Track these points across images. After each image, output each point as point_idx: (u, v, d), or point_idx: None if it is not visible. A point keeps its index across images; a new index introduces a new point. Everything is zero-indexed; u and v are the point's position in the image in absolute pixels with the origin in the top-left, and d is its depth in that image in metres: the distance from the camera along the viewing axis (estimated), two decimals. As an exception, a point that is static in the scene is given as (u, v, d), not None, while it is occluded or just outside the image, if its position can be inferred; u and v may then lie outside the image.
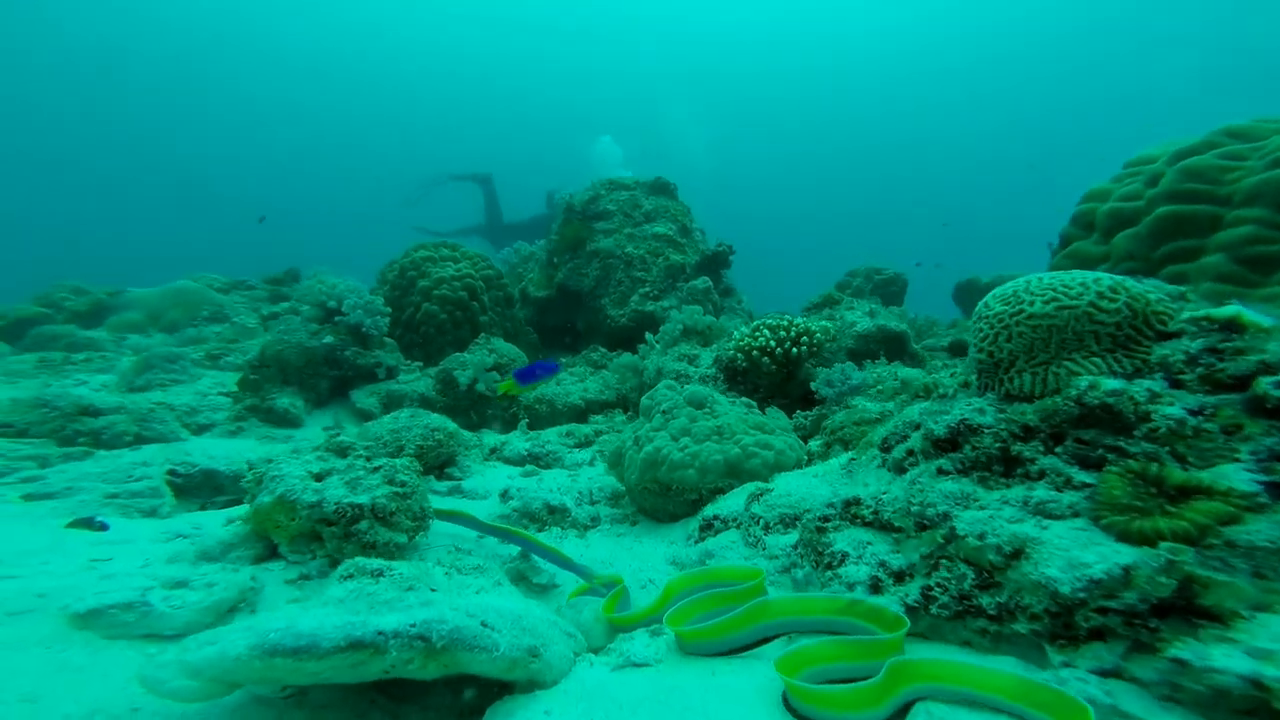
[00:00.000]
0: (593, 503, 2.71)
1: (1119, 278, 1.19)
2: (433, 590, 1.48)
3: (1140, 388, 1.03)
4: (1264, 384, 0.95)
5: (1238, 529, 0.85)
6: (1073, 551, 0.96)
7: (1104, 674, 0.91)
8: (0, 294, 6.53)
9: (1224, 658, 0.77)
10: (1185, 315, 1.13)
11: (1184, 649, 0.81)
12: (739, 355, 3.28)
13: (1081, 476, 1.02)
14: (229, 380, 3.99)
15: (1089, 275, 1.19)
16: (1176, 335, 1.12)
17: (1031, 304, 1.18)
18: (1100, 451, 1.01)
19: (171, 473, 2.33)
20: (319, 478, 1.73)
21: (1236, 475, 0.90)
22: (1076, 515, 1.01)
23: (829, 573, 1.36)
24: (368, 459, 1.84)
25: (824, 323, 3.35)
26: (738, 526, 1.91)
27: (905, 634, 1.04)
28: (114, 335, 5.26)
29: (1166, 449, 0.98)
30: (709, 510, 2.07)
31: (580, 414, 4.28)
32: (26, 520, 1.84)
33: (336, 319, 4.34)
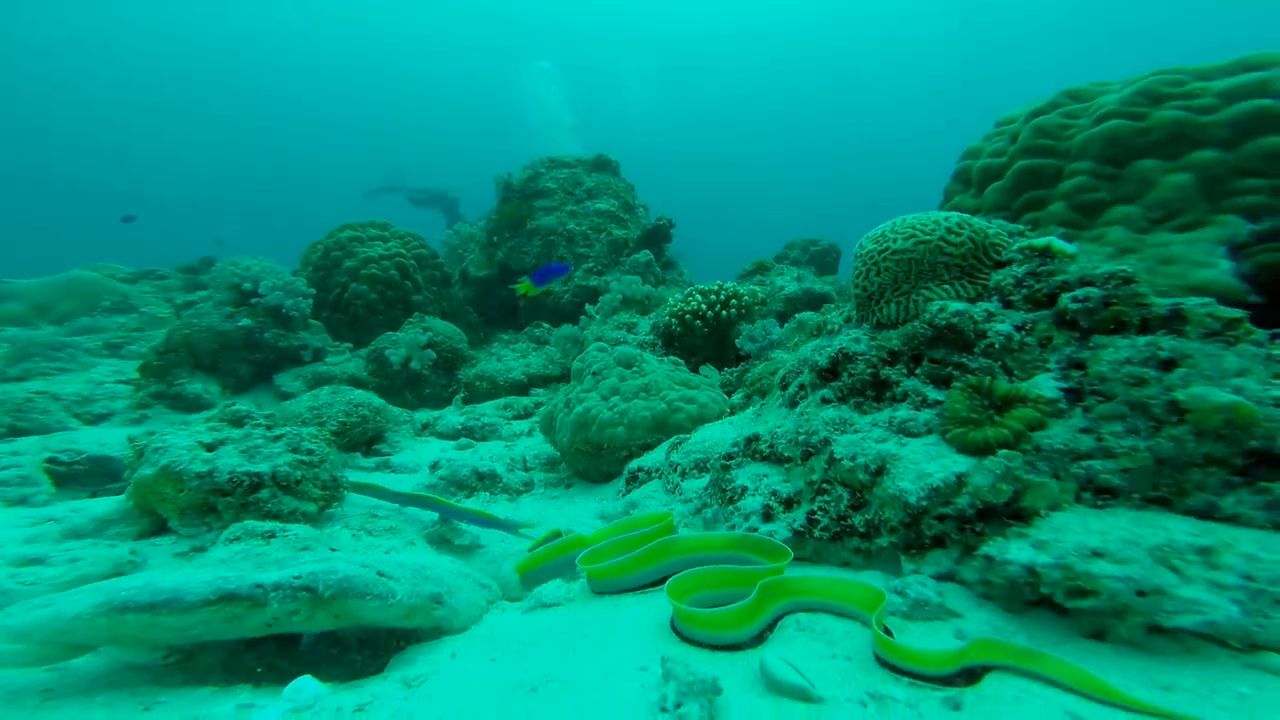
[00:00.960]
0: (527, 469, 2.69)
1: (965, 215, 1.27)
2: (333, 550, 1.43)
3: (979, 309, 1.12)
4: (1064, 299, 1.05)
5: (1042, 434, 0.94)
6: (922, 464, 1.03)
7: (940, 578, 1.00)
8: None
9: (1016, 551, 0.85)
10: (1016, 246, 1.23)
11: (991, 547, 0.89)
12: (674, 321, 3.31)
13: (935, 395, 1.10)
14: (131, 369, 3.68)
15: (940, 214, 1.27)
16: (1009, 263, 1.21)
17: (895, 241, 1.26)
18: (948, 369, 1.09)
19: (51, 460, 2.14)
20: (210, 448, 1.63)
21: (1045, 383, 1.00)
22: (930, 431, 1.09)
23: (730, 507, 1.40)
24: (268, 428, 1.75)
25: (753, 287, 3.43)
26: (659, 476, 1.95)
27: (788, 563, 1.08)
28: (-9, 328, 4.72)
29: (999, 363, 1.07)
30: (634, 464, 2.10)
31: (523, 389, 4.22)
32: None
33: (253, 301, 4.07)
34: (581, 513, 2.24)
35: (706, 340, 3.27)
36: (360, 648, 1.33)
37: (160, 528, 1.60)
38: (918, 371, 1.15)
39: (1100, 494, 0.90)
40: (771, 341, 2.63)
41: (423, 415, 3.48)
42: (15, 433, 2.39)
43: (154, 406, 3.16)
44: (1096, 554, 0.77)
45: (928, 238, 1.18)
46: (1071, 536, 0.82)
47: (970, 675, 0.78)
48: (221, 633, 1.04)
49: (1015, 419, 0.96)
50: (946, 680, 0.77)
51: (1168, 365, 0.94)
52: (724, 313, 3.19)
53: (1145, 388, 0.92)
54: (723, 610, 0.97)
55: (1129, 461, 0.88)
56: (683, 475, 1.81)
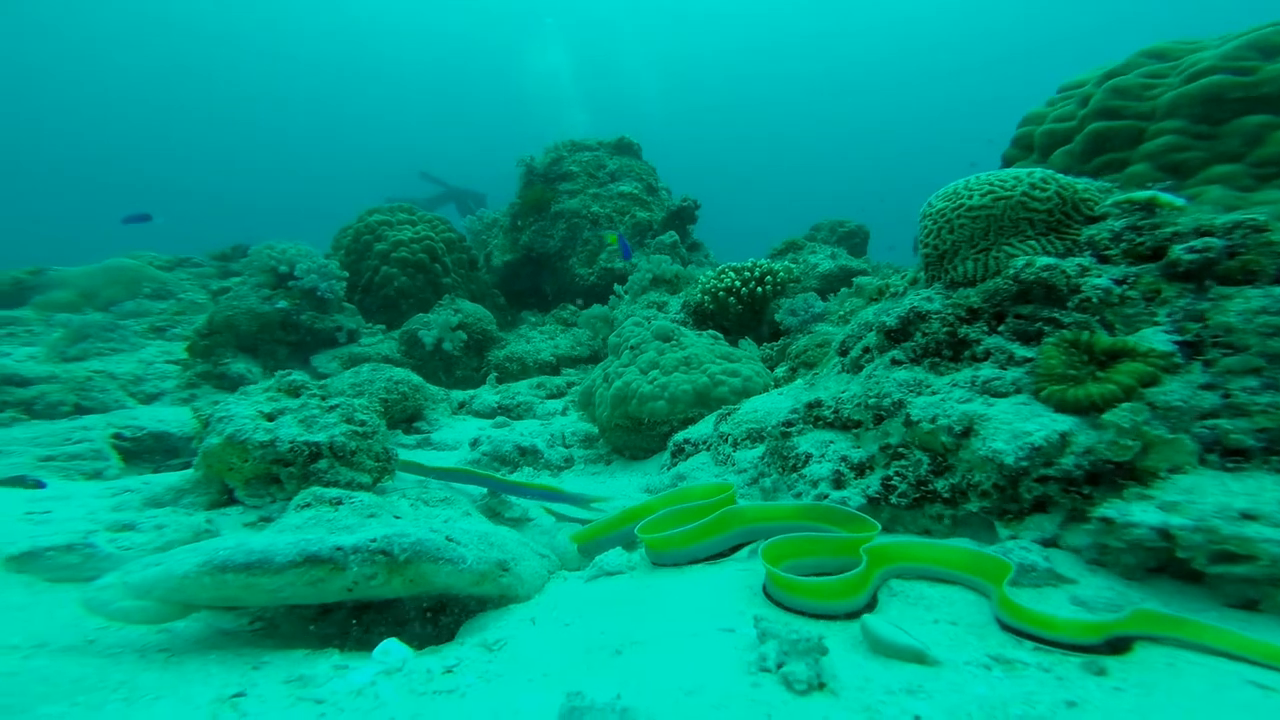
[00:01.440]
0: (565, 445, 2.71)
1: (1049, 171, 1.21)
2: (397, 517, 1.45)
3: (1071, 263, 1.06)
4: (1177, 250, 0.99)
5: (1156, 390, 0.89)
6: (1015, 424, 0.99)
7: (1045, 543, 0.96)
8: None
9: (1141, 513, 0.81)
10: (1110, 201, 1.17)
11: (1110, 509, 0.85)
12: (706, 298, 3.27)
13: (1023, 352, 1.06)
14: (178, 350, 3.78)
15: (1021, 170, 1.21)
16: (1102, 219, 1.15)
17: (970, 197, 1.20)
18: (1038, 325, 1.05)
19: (117, 435, 2.21)
20: (271, 417, 1.66)
21: (1155, 337, 0.95)
22: (1019, 391, 1.04)
23: (794, 475, 1.38)
24: (323, 398, 1.77)
25: (787, 264, 3.36)
26: (708, 448, 1.93)
27: (877, 533, 1.02)
28: (41, 314, 4.89)
29: (1096, 318, 1.01)
30: (679, 436, 2.09)
31: (552, 370, 4.24)
32: (-49, 483, 1.72)
33: (290, 284, 4.13)
34: (626, 487, 2.24)
35: (740, 317, 3.22)
36: (422, 618, 1.35)
37: (228, 498, 1.64)
38: (1000, 329, 1.10)
39: (1230, 455, 0.85)
40: (815, 314, 2.57)
41: (458, 394, 3.52)
42: (80, 410, 2.48)
43: (201, 386, 3.25)
44: (1248, 516, 0.73)
45: (1008, 193, 1.13)
46: (1210, 498, 0.77)
47: (1116, 647, 0.74)
48: (306, 596, 1.06)
49: (1124, 373, 0.91)
50: (1090, 650, 0.73)
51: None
52: (759, 289, 3.14)
53: (1288, 338, 0.85)
54: (834, 579, 0.92)
55: (1267, 420, 0.83)
56: (734, 446, 1.79)
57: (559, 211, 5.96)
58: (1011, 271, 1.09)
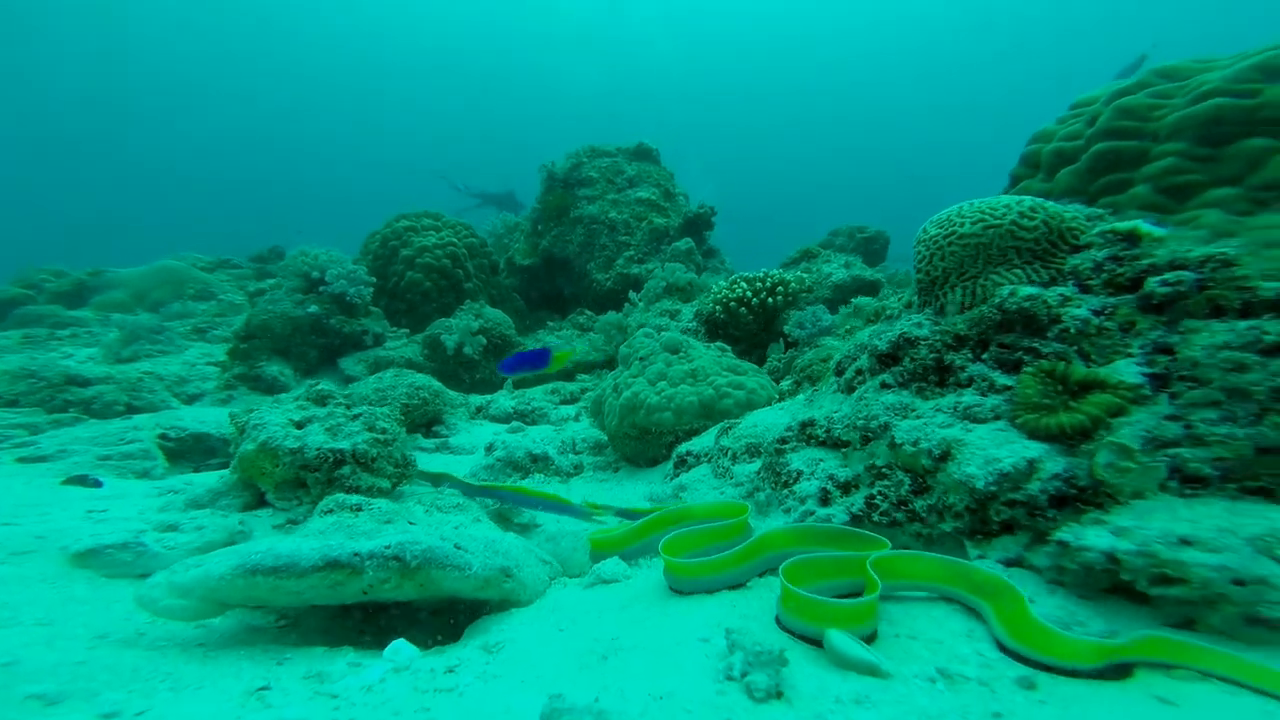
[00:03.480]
0: (576, 452, 2.80)
1: (1039, 200, 1.23)
2: (411, 524, 1.56)
3: (1053, 293, 1.09)
4: (1152, 282, 1.01)
5: (1123, 421, 0.92)
6: (989, 450, 1.03)
7: (1009, 563, 1.00)
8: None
9: (1094, 537, 0.84)
10: (1096, 230, 1.18)
11: (1067, 533, 0.89)
12: (718, 308, 3.31)
13: (1003, 380, 1.09)
14: (218, 352, 4.03)
15: (1013, 198, 1.23)
16: (1087, 248, 1.17)
17: (962, 225, 1.23)
18: (1019, 354, 1.07)
19: (163, 436, 2.40)
20: (300, 425, 1.79)
21: (1127, 369, 0.97)
22: (998, 417, 1.08)
23: (785, 491, 1.43)
24: (347, 407, 1.90)
25: (800, 274, 3.37)
26: (709, 460, 1.99)
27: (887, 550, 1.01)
28: (99, 314, 5.26)
29: (1075, 348, 1.04)
30: (682, 448, 2.15)
31: (568, 375, 4.35)
32: (22, 479, 1.91)
33: (321, 289, 4.34)
34: (630, 495, 2.32)
35: (751, 328, 3.26)
36: (431, 618, 1.45)
37: (259, 501, 1.78)
38: (984, 356, 1.14)
39: (1189, 483, 0.87)
40: (822, 328, 2.60)
41: (476, 399, 3.65)
42: (131, 410, 2.69)
43: (238, 388, 3.45)
44: (1185, 542, 0.76)
45: (998, 222, 1.16)
46: (1156, 524, 0.81)
47: (1119, 672, 0.75)
48: (326, 597, 1.17)
49: (1093, 405, 0.94)
50: (1091, 675, 0.75)
51: (1274, 350, 0.89)
52: (770, 300, 3.17)
53: (1246, 373, 0.88)
54: (856, 602, 0.90)
55: (1224, 450, 0.85)
56: (733, 459, 1.85)
57: (578, 217, 6.07)
58: (996, 300, 1.12)
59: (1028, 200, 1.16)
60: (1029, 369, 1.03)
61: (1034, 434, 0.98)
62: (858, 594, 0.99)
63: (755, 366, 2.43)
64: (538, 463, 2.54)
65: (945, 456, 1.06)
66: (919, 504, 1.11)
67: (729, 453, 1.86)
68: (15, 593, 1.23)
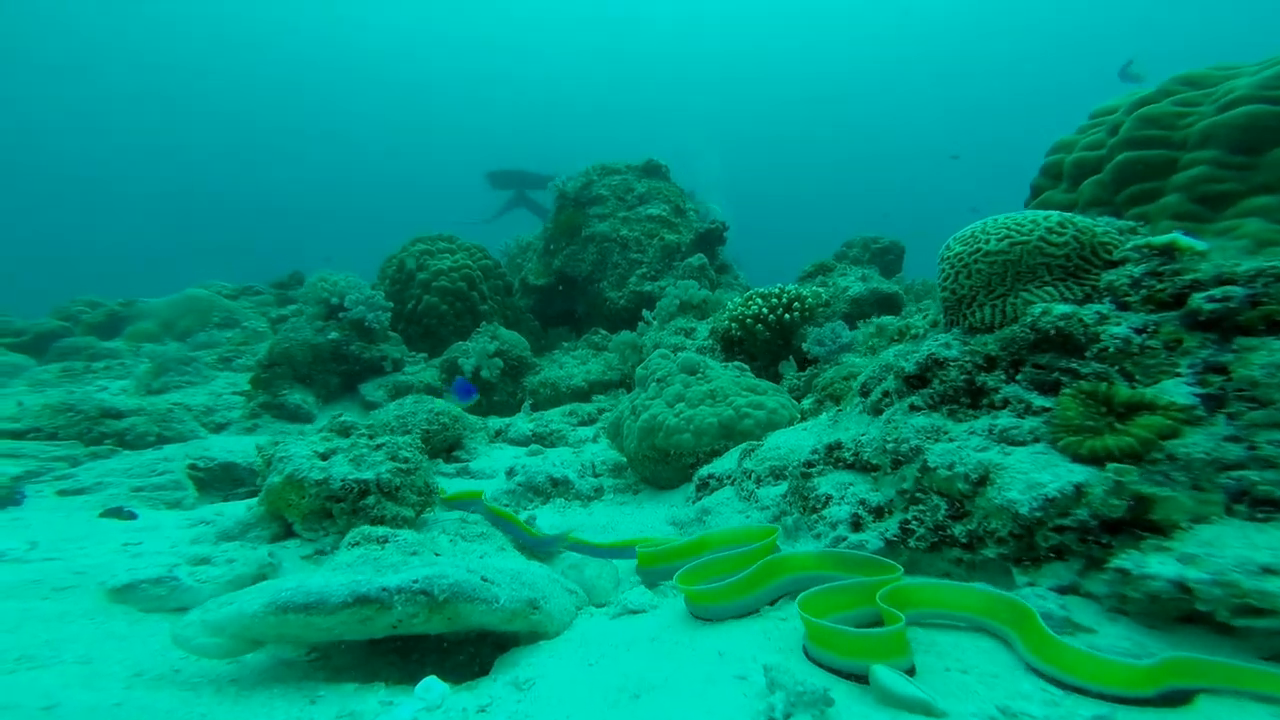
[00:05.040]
0: (595, 475, 2.79)
1: (1066, 214, 1.21)
2: (437, 555, 1.56)
3: (1089, 311, 1.06)
4: (1197, 299, 0.98)
5: (1177, 443, 0.89)
6: (1032, 474, 1.00)
7: (1062, 590, 0.96)
8: (12, 308, 6.74)
9: (1158, 565, 0.81)
10: (1130, 244, 1.16)
11: (1126, 560, 0.85)
12: (733, 325, 3.30)
13: (1040, 401, 1.06)
14: (242, 381, 4.12)
15: (1039, 213, 1.21)
16: (1121, 263, 1.14)
17: (987, 242, 1.21)
18: (1055, 375, 1.05)
19: (192, 467, 2.44)
20: (324, 456, 1.81)
21: (1176, 389, 0.94)
22: (1037, 440, 1.05)
23: (814, 516, 1.40)
24: (370, 437, 1.92)
25: (816, 289, 3.35)
26: (732, 483, 1.97)
27: (899, 575, 0.99)
28: (131, 345, 5.43)
29: (1116, 368, 1.01)
30: (704, 470, 2.13)
31: (584, 396, 4.35)
32: (62, 512, 1.96)
33: (340, 315, 4.44)
34: (651, 519, 2.30)
35: (768, 345, 3.24)
36: (459, 651, 1.44)
37: (287, 532, 1.80)
38: (1018, 377, 1.11)
39: (1259, 506, 0.83)
40: (842, 345, 2.57)
41: (495, 422, 3.67)
42: (162, 440, 2.76)
43: (262, 416, 3.52)
44: (1269, 570, 0.73)
45: (1025, 238, 1.14)
46: (1230, 551, 0.77)
47: (1173, 699, 0.71)
48: (356, 633, 1.17)
49: (1142, 427, 0.91)
50: (1142, 703, 0.71)
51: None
52: (786, 316, 3.15)
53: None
54: (874, 634, 0.87)
55: None
56: (758, 482, 1.82)
57: (589, 235, 6.14)
58: (1029, 319, 1.10)
59: (1054, 215, 1.15)
60: (1068, 390, 1.01)
61: (1079, 457, 0.95)
62: (879, 623, 0.95)
63: (775, 385, 2.40)
64: (558, 486, 2.53)
65: (983, 481, 1.03)
66: (958, 529, 1.09)
67: (753, 475, 1.84)
68: (57, 630, 1.25)
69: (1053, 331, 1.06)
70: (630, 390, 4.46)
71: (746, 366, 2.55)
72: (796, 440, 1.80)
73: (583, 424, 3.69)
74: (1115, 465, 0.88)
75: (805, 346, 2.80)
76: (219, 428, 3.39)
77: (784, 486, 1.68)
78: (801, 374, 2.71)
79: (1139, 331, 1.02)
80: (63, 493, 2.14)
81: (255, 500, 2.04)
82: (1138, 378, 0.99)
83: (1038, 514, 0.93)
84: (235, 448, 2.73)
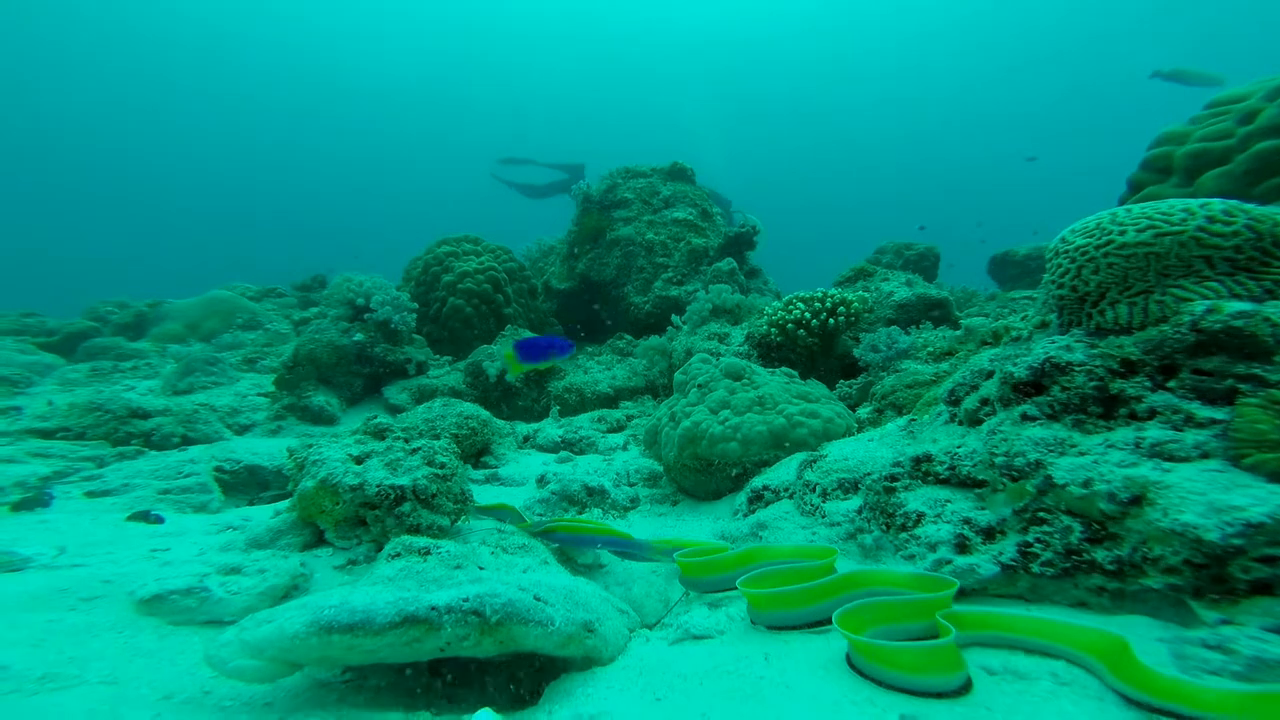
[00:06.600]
0: (630, 484, 2.66)
1: (1232, 201, 1.06)
2: (481, 569, 1.44)
3: (1277, 309, 0.91)
4: None
5: None
6: (1212, 495, 0.85)
7: (1278, 631, 0.81)
8: (45, 307, 6.85)
9: None
10: None
11: None
12: (773, 330, 3.17)
13: (1206, 412, 0.92)
14: (266, 382, 4.07)
15: (1191, 201, 1.08)
16: None
17: (1123, 233, 1.07)
18: (1229, 382, 0.90)
19: (218, 469, 2.37)
20: (359, 460, 1.71)
21: None
22: (1206, 456, 0.90)
23: (904, 534, 1.26)
24: (405, 440, 1.82)
25: (860, 293, 3.21)
26: (790, 496, 1.83)
27: (953, 593, 0.98)
28: (157, 346, 5.45)
29: None
30: (757, 481, 1.99)
31: (610, 402, 4.23)
32: (90, 515, 1.89)
33: (365, 316, 4.38)
34: (696, 532, 2.16)
35: (810, 351, 3.09)
36: (504, 674, 1.32)
37: (318, 539, 1.70)
38: (1171, 384, 0.96)
39: None
40: (899, 350, 2.42)
41: (523, 428, 3.56)
42: (187, 441, 2.69)
43: (287, 418, 3.46)
44: None
45: (1176, 229, 1.00)
46: None
47: None
48: (402, 655, 1.06)
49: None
50: None
51: None
52: (830, 321, 3.01)
53: None
54: (924, 647, 0.86)
55: None
56: (824, 496, 1.68)
57: (614, 239, 6.06)
58: (1187, 319, 0.96)
59: (1216, 203, 1.00)
60: (1253, 400, 0.86)
61: (1277, 476, 0.80)
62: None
63: (828, 393, 2.26)
64: (594, 496, 2.41)
65: (1139, 500, 0.89)
66: (1100, 554, 0.94)
67: (817, 488, 1.69)
68: (84, 645, 1.16)
69: (1223, 331, 0.91)
70: (656, 396, 4.33)
71: (795, 373, 2.41)
72: (868, 452, 1.65)
73: (611, 431, 3.57)
74: None
75: (857, 353, 2.65)
76: (243, 429, 3.33)
77: (856, 501, 1.54)
78: (853, 381, 2.56)
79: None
80: (90, 494, 2.08)
81: (284, 505, 1.95)
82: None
83: (1235, 541, 0.78)
84: (260, 450, 2.66)
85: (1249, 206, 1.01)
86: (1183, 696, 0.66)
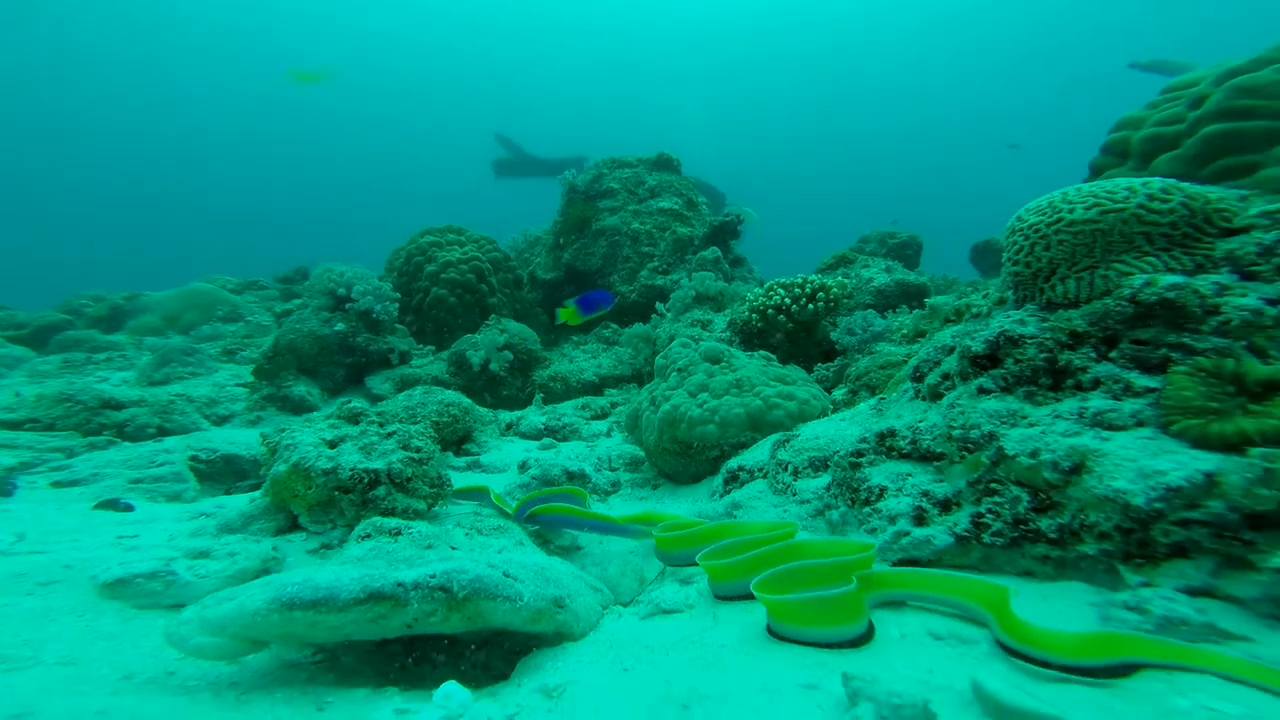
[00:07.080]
0: (612, 469, 2.67)
1: (1170, 180, 1.09)
2: (453, 549, 1.45)
3: (1205, 281, 0.94)
4: None
5: None
6: (1142, 461, 0.88)
7: (1193, 592, 0.84)
8: (21, 303, 6.69)
9: None
10: (1254, 210, 1.04)
11: None
12: (754, 316, 3.18)
13: (1143, 381, 0.94)
14: (246, 373, 4.02)
15: (1134, 180, 1.10)
16: (1244, 230, 1.02)
17: (1071, 210, 1.10)
18: (1163, 351, 0.93)
19: (194, 458, 2.34)
20: (333, 445, 1.70)
21: None
22: (1141, 424, 0.93)
23: (867, 509, 1.29)
24: (380, 425, 1.81)
25: (840, 279, 3.23)
26: (764, 476, 1.85)
27: (872, 555, 1.03)
28: (133, 338, 5.35)
29: (1242, 344, 0.89)
30: (732, 463, 2.01)
31: (595, 390, 4.23)
32: (55, 504, 1.86)
33: (347, 306, 4.33)
34: (675, 513, 2.18)
35: (791, 336, 3.12)
36: (475, 651, 1.33)
37: (292, 525, 1.69)
38: (1113, 355, 0.99)
39: None
40: (874, 333, 2.45)
41: (506, 415, 3.56)
42: (163, 432, 2.66)
43: (267, 409, 3.42)
44: None
45: (1119, 206, 1.02)
46: None
47: (1120, 672, 0.73)
48: (367, 632, 1.06)
49: (1285, 409, 0.79)
50: (1092, 672, 0.73)
51: None
52: (810, 306, 3.03)
53: None
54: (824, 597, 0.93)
55: None
56: (795, 474, 1.70)
57: (600, 229, 6.03)
58: (1127, 292, 0.98)
59: (1155, 182, 1.03)
60: (1181, 368, 0.89)
61: (1202, 442, 0.83)
62: None
63: (805, 375, 2.28)
64: (574, 480, 2.42)
65: (1078, 469, 0.91)
66: (1044, 523, 0.96)
67: (789, 467, 1.72)
68: (41, 628, 1.14)
69: (1159, 303, 0.94)
70: (643, 384, 4.35)
71: (773, 356, 2.43)
72: (838, 430, 1.68)
73: (595, 418, 3.57)
74: (1261, 451, 0.76)
75: (834, 336, 2.67)
76: (222, 420, 3.29)
77: (825, 478, 1.56)
78: (830, 365, 2.59)
79: (1273, 302, 0.90)
80: (57, 484, 2.04)
81: (258, 492, 1.93)
82: (1272, 354, 0.87)
83: (1158, 505, 0.81)
84: (238, 439, 2.63)
85: (1185, 185, 1.04)
86: (1035, 641, 0.76)
